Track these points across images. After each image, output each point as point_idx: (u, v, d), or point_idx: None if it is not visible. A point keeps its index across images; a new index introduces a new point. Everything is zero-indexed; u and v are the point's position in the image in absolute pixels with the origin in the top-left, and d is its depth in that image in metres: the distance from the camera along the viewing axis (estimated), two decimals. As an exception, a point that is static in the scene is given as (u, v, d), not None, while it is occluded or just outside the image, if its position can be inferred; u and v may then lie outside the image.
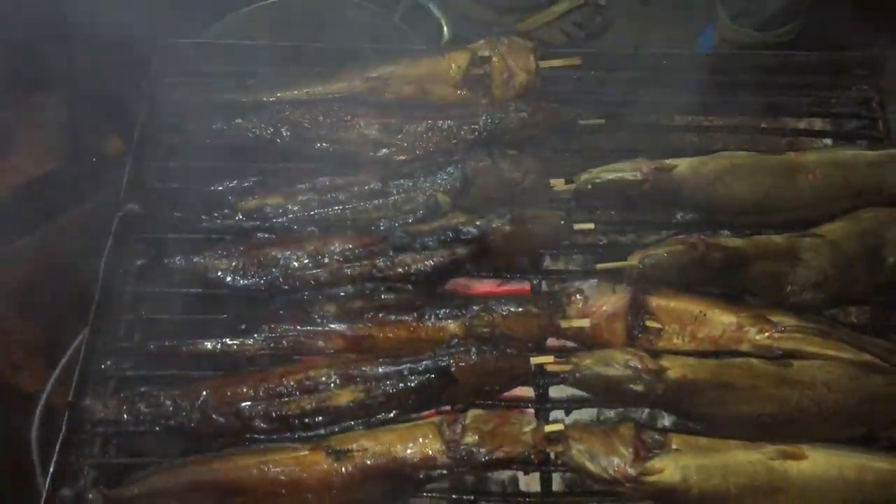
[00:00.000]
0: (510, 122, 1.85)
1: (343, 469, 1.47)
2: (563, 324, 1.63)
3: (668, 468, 1.46)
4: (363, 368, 1.56)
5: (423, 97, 1.93)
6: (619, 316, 1.62)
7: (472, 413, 1.52)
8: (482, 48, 1.91)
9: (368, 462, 1.47)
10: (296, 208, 1.79)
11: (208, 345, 1.64)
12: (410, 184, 1.78)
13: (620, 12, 3.29)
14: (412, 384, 1.55)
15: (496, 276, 1.78)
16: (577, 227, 1.76)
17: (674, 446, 1.50)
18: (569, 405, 1.67)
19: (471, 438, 1.47)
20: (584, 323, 1.62)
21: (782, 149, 1.96)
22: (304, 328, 1.64)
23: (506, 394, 1.64)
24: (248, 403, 1.55)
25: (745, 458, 1.49)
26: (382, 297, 1.66)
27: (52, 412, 1.88)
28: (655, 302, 1.63)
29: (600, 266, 1.70)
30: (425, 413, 1.60)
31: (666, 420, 1.72)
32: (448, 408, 1.59)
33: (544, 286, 1.77)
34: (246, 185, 1.82)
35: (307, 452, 1.48)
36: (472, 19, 3.16)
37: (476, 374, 1.55)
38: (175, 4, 2.12)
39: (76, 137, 2.38)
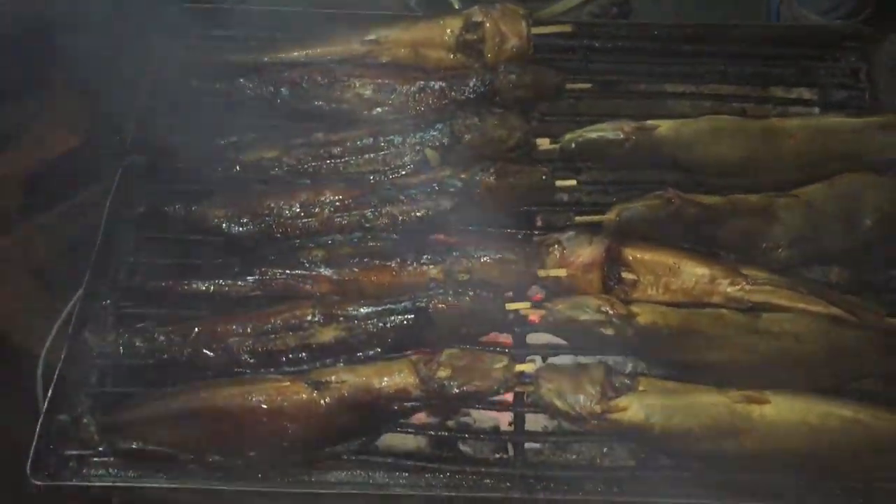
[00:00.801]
0: (500, 83, 1.91)
1: (322, 399, 1.53)
2: (541, 273, 1.68)
3: (633, 407, 1.51)
4: (346, 308, 1.63)
5: (419, 60, 2.00)
6: (594, 266, 1.66)
7: (448, 351, 1.58)
8: (476, 14, 1.98)
9: (346, 393, 1.54)
10: (292, 162, 1.86)
11: (202, 285, 1.72)
12: (400, 139, 1.85)
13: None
14: (392, 324, 1.62)
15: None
16: (559, 183, 1.81)
17: (641, 388, 1.55)
18: (544, 352, 1.73)
19: (444, 373, 1.54)
20: (561, 272, 1.67)
21: (767, 115, 2.00)
22: (294, 272, 1.71)
23: (485, 339, 1.70)
24: (237, 339, 1.63)
25: (710, 401, 1.53)
26: (369, 244, 1.73)
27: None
28: (631, 254, 1.68)
29: (579, 219, 1.76)
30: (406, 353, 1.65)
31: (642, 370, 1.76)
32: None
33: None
34: (245, 139, 1.90)
35: (289, 383, 1.55)
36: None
37: (453, 316, 1.61)
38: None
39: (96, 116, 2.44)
